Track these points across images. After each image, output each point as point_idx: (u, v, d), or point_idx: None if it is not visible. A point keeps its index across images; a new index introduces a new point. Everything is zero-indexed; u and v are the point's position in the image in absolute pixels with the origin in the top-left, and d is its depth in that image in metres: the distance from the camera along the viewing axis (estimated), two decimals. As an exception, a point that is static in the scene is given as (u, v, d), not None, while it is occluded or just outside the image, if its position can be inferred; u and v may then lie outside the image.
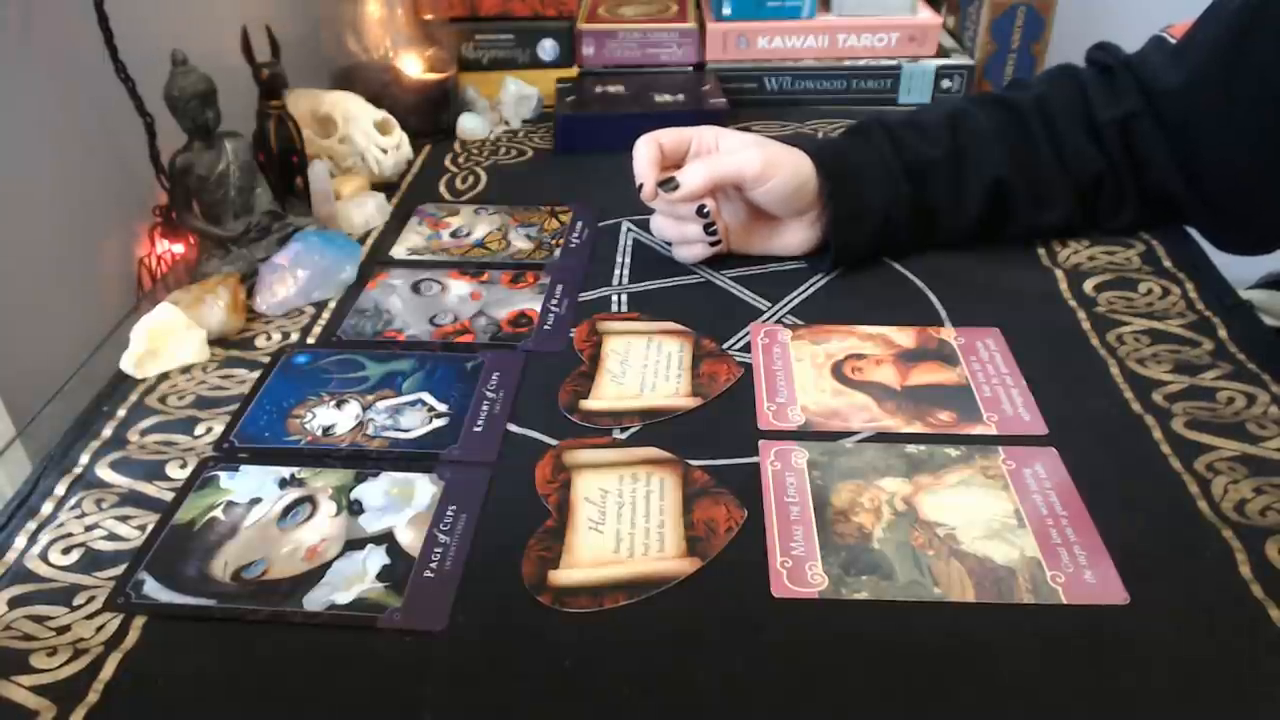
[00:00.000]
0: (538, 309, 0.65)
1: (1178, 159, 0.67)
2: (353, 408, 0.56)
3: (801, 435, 0.54)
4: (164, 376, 0.60)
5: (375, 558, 0.46)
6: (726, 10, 0.98)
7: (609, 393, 0.57)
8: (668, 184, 0.64)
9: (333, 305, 0.67)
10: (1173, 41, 0.68)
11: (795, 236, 0.69)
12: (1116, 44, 0.71)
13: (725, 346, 0.61)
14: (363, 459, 0.53)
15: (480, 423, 0.55)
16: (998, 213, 0.69)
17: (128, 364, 0.59)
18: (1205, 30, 0.66)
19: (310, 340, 0.63)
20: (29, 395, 0.60)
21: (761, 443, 0.53)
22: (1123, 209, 0.70)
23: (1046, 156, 0.68)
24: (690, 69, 1.00)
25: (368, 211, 0.77)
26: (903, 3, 0.98)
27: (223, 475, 0.52)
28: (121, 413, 0.57)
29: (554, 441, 0.54)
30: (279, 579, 0.45)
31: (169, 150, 0.66)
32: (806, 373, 0.58)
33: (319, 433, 0.55)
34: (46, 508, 0.50)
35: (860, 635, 0.42)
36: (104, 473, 0.52)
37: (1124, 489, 0.49)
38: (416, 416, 0.56)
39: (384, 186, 0.82)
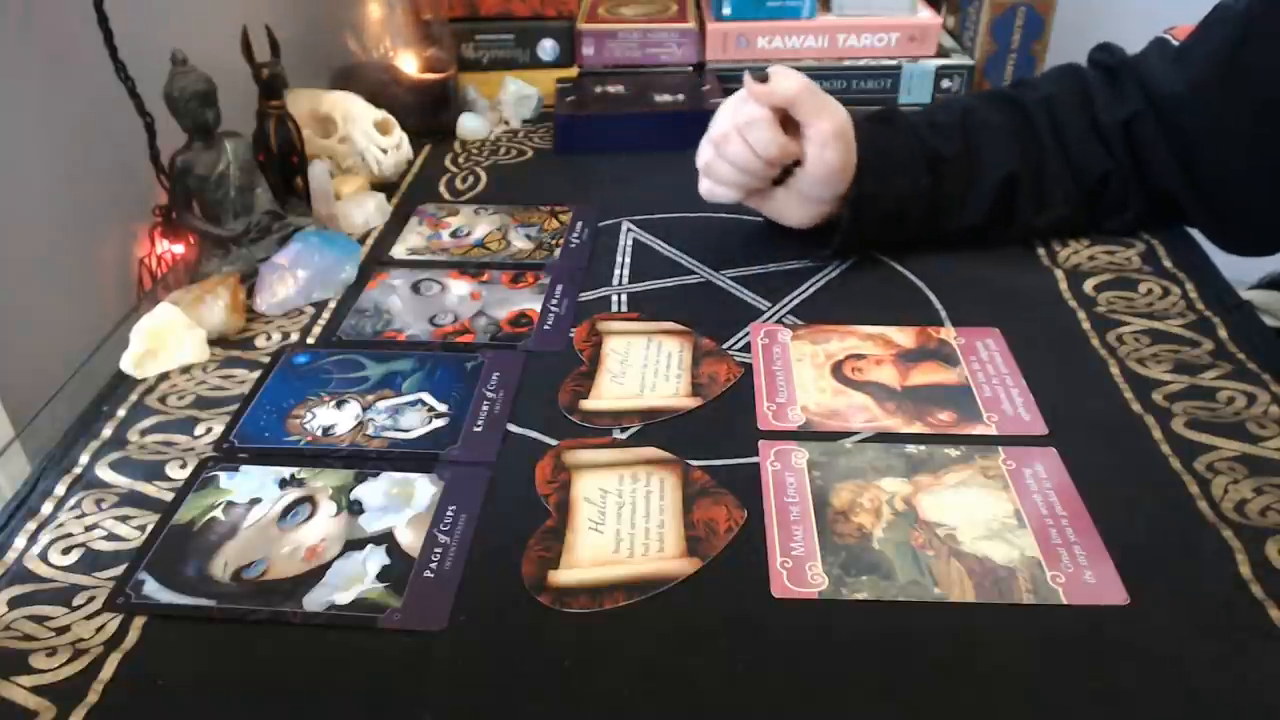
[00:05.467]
0: (538, 309, 0.65)
1: (1179, 160, 0.67)
2: (353, 408, 0.56)
3: (801, 435, 0.54)
4: (164, 376, 0.60)
5: (375, 558, 0.46)
6: (726, 10, 0.98)
7: (609, 393, 0.57)
8: (757, 71, 0.62)
9: (333, 305, 0.67)
10: (1175, 44, 0.68)
11: (790, 206, 0.68)
12: (1119, 45, 0.71)
13: (725, 346, 0.61)
14: (363, 459, 0.53)
15: (480, 423, 0.55)
16: (1002, 213, 0.69)
17: (128, 364, 0.59)
18: (1208, 34, 0.66)
19: (310, 340, 0.63)
20: (29, 395, 0.60)
21: (761, 443, 0.53)
22: (1126, 208, 0.70)
23: (1054, 156, 0.68)
24: (690, 69, 1.00)
25: (368, 211, 0.77)
26: (903, 3, 0.98)
27: (223, 475, 0.52)
28: (121, 413, 0.57)
29: (554, 441, 0.54)
30: (279, 579, 0.45)
31: (169, 150, 0.66)
32: (806, 373, 0.58)
33: (319, 433, 0.55)
34: (46, 508, 0.50)
35: (860, 635, 0.42)
36: (104, 473, 0.52)
37: (1124, 489, 0.49)
38: (416, 416, 0.56)
39: (384, 186, 0.82)
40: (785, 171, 0.66)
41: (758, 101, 0.63)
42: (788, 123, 0.64)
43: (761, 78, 0.62)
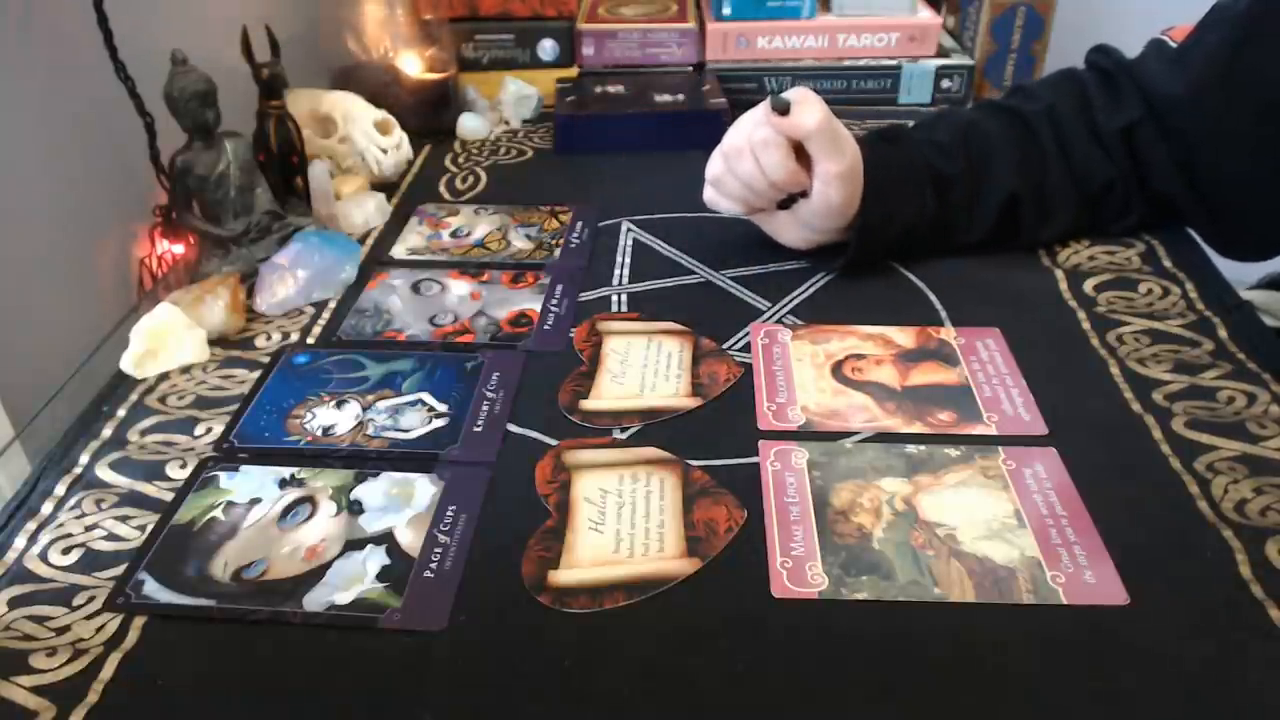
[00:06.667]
0: (538, 309, 0.65)
1: (1177, 163, 0.67)
2: (353, 408, 0.56)
3: (801, 435, 0.54)
4: (164, 376, 0.60)
5: (375, 558, 0.46)
6: (726, 10, 0.98)
7: (609, 393, 0.57)
8: (779, 103, 0.61)
9: (333, 305, 0.67)
10: (1173, 45, 0.68)
11: (790, 229, 0.69)
12: (1116, 47, 0.71)
13: (725, 346, 0.61)
14: (363, 459, 0.53)
15: (480, 423, 0.55)
16: (1008, 227, 0.69)
17: (128, 364, 0.59)
18: (1205, 37, 0.66)
19: (310, 340, 0.63)
20: (29, 395, 0.60)
21: (761, 443, 0.53)
22: (1128, 213, 0.70)
23: (1057, 167, 0.68)
24: (690, 69, 1.00)
25: (368, 211, 0.77)
26: (903, 3, 0.98)
27: (222, 475, 0.52)
28: (121, 413, 0.57)
29: (554, 441, 0.54)
30: (279, 579, 0.45)
31: (169, 150, 0.66)
32: (806, 373, 0.58)
33: (319, 433, 0.55)
34: (46, 508, 0.50)
35: (860, 635, 0.42)
36: (104, 473, 0.52)
37: (1124, 489, 0.49)
38: (416, 416, 0.56)
39: (384, 186, 0.82)
40: (790, 197, 0.66)
41: (775, 130, 0.62)
42: (802, 150, 0.63)
43: (783, 110, 0.61)
